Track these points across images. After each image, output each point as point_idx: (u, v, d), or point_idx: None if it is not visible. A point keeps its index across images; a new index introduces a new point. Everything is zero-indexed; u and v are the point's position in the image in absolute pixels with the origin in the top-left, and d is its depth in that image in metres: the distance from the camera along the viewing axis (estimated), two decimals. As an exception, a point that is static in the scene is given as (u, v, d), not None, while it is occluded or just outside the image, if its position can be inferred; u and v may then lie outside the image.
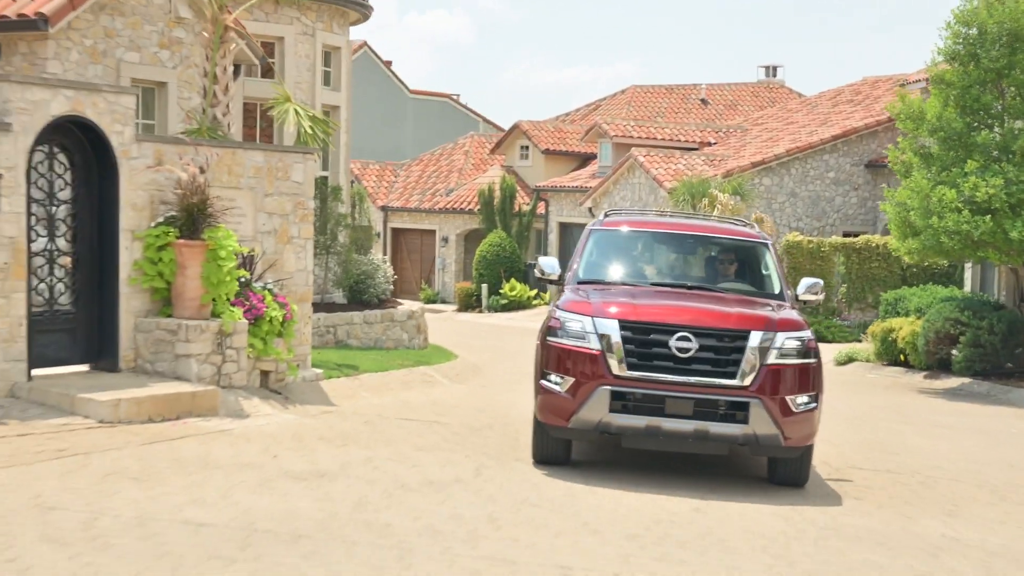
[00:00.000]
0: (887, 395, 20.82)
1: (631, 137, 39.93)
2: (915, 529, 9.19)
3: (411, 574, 6.81)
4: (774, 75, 53.96)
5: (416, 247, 45.57)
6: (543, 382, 10.27)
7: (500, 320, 37.08)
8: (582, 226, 39.27)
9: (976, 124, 20.97)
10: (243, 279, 12.96)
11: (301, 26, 19.52)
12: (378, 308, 20.09)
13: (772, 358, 9.99)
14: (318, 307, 18.43)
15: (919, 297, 25.38)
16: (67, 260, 12.22)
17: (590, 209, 39.12)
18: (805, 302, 11.41)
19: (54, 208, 12.02)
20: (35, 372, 11.67)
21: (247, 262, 13.23)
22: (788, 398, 10.01)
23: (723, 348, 10.00)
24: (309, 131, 15.44)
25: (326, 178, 20.51)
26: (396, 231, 46.00)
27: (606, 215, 12.65)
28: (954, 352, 22.22)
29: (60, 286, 12.19)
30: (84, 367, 12.33)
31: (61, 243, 12.16)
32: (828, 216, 36.12)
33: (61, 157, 11.98)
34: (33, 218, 11.67)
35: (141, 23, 16.22)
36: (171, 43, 16.55)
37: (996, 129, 21.08)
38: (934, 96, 21.46)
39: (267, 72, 19.19)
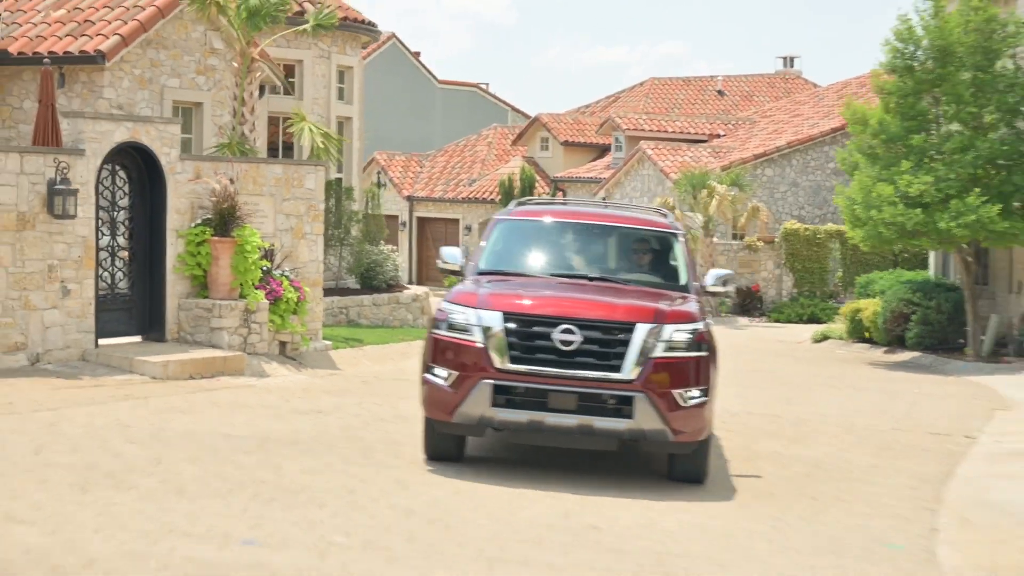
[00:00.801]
0: (842, 367, 24.48)
1: (643, 130, 43.68)
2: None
3: (369, 461, 10.73)
4: (791, 66, 57.40)
5: (441, 235, 49.53)
6: (427, 375, 10.40)
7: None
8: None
9: (913, 128, 24.61)
10: (265, 268, 16.94)
11: (318, 50, 23.52)
12: (386, 292, 24.07)
13: (659, 351, 10.05)
14: (333, 291, 22.40)
15: (885, 280, 29.05)
16: (125, 254, 16.26)
17: (604, 198, 42.91)
18: (714, 294, 11.66)
19: (115, 213, 16.07)
20: (101, 341, 15.69)
21: (268, 254, 17.19)
22: (676, 392, 10.04)
23: (608, 341, 10.08)
24: (321, 146, 19.43)
25: (340, 179, 24.49)
26: (421, 220, 49.95)
27: (516, 204, 12.87)
28: (907, 329, 25.92)
29: (120, 274, 16.23)
30: (138, 338, 16.36)
31: (121, 240, 16.21)
32: (829, 205, 39.72)
33: (121, 174, 16.02)
34: (100, 221, 15.69)
35: (181, 54, 20.23)
36: (206, 70, 20.55)
37: (933, 132, 24.73)
38: (880, 102, 25.19)
39: (289, 90, 23.19)
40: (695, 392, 10.17)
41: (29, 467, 9.48)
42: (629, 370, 10.03)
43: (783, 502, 10.25)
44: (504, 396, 10.06)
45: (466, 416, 10.14)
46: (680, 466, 10.62)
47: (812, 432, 14.37)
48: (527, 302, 10.34)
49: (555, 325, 10.06)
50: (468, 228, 48.54)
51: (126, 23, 19.29)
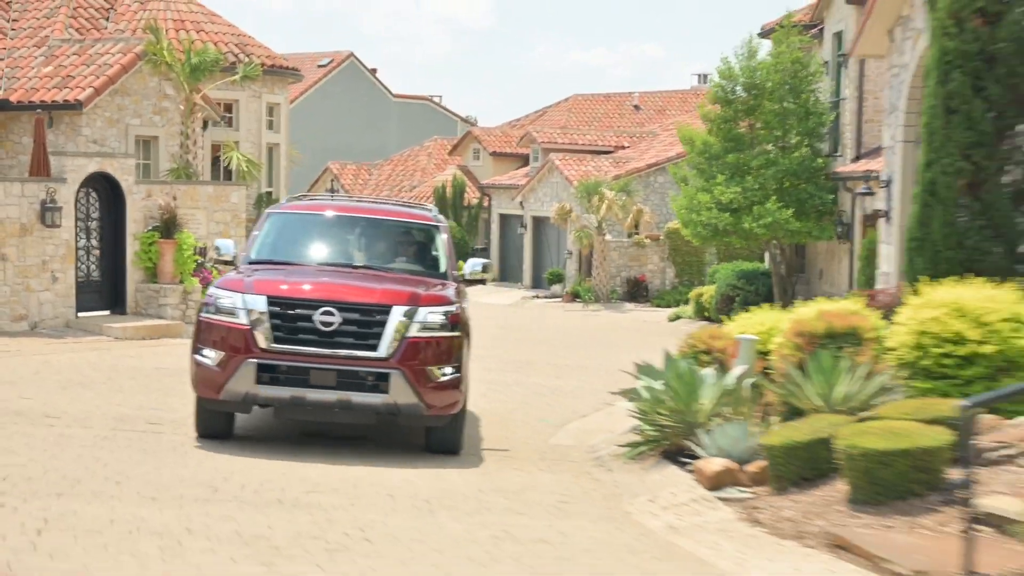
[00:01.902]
0: (665, 337, 30.55)
1: (556, 143, 49.74)
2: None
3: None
4: (705, 82, 63.48)
5: (386, 236, 55.58)
6: (196, 356, 10.98)
7: (447, 295, 46.98)
8: (519, 217, 49.61)
9: (730, 148, 30.75)
10: (199, 261, 22.96)
11: (251, 91, 29.55)
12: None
13: (414, 331, 10.71)
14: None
15: (724, 270, 35.21)
16: (97, 252, 22.31)
17: (520, 203, 49.03)
18: (471, 281, 12.66)
19: (89, 223, 22.12)
20: (80, 314, 21.74)
21: (201, 251, 23.21)
22: (429, 369, 10.69)
23: (366, 322, 10.71)
24: (245, 169, 25.50)
25: (270, 192, 30.52)
26: (369, 222, 55.98)
27: (288, 199, 13.65)
28: (732, 308, 32.12)
29: (93, 266, 22.27)
30: (106, 312, 22.39)
31: (94, 242, 22.25)
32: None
33: (93, 194, 22.08)
34: (78, 229, 21.73)
35: (141, 99, 26.28)
36: (160, 111, 26.60)
37: (746, 152, 30.90)
38: (704, 127, 31.39)
39: (228, 123, 29.26)
40: (448, 369, 10.82)
41: (30, 380, 15.54)
42: (385, 349, 10.63)
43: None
44: (268, 374, 10.65)
45: (233, 393, 10.70)
46: (436, 438, 11.28)
47: (570, 368, 20.59)
48: (290, 287, 11.02)
49: (316, 307, 10.68)
50: (409, 229, 54.57)
51: (98, 77, 25.31)
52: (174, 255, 22.48)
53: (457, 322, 11.08)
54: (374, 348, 10.67)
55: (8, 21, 28.49)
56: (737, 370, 11.31)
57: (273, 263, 11.94)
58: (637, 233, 44.08)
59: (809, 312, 11.19)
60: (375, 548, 7.63)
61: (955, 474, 8.22)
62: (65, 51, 26.57)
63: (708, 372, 11.29)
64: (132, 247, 22.50)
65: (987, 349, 9.97)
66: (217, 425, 11.32)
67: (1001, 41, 11.73)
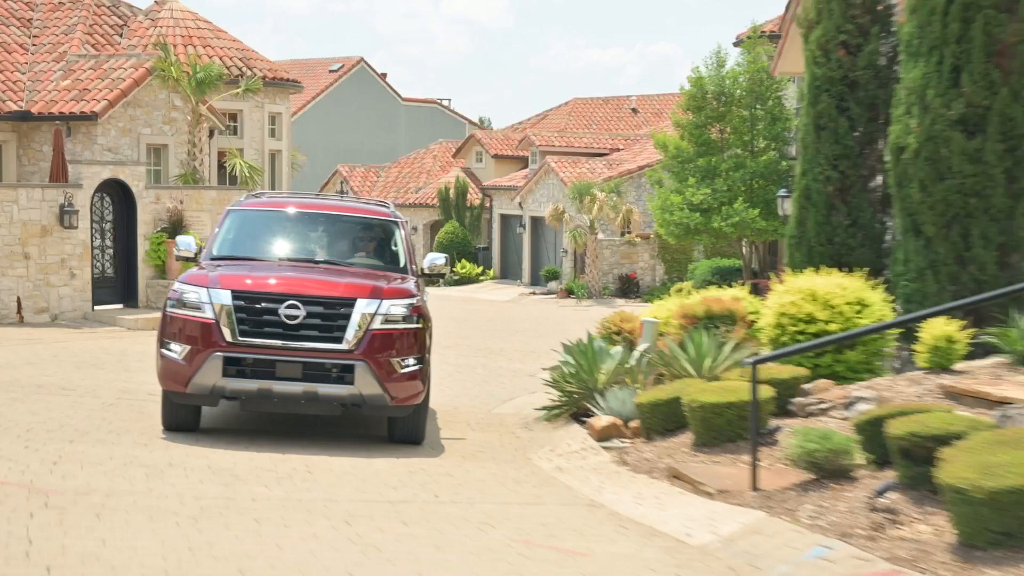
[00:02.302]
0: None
1: (553, 146, 51.98)
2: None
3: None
4: (701, 84, 65.55)
5: (392, 235, 57.87)
6: (163, 350, 11.12)
7: (451, 292, 49.06)
8: (518, 217, 51.82)
9: (702, 152, 32.94)
10: (203, 259, 25.27)
11: (255, 102, 31.87)
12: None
13: (377, 324, 10.94)
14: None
15: (702, 267, 37.36)
16: (111, 251, 24.63)
17: (519, 203, 51.27)
18: (430, 275, 12.78)
19: (104, 224, 24.45)
20: (95, 307, 24.07)
21: (206, 250, 25.51)
22: (393, 360, 10.95)
23: (330, 315, 10.94)
24: (247, 174, 27.80)
25: (274, 196, 32.82)
26: (376, 223, 58.31)
27: (247, 196, 13.78)
28: (707, 303, 34.28)
29: (107, 264, 24.60)
30: (120, 305, 24.73)
31: (108, 242, 24.58)
32: (700, 206, 47.73)
33: (107, 198, 24.41)
34: (93, 230, 24.05)
35: (151, 110, 28.61)
36: (170, 121, 28.93)
37: (716, 156, 33.10)
38: (677, 133, 33.60)
39: (232, 132, 31.60)
40: (411, 360, 11.10)
41: (50, 361, 17.84)
42: (349, 341, 10.90)
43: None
44: (235, 367, 10.85)
45: (199, 387, 10.89)
46: (399, 428, 11.60)
47: (536, 354, 22.76)
48: (255, 281, 11.23)
49: (281, 301, 10.90)
50: (414, 228, 56.87)
51: (113, 90, 27.65)
52: (181, 253, 24.77)
53: (419, 314, 11.33)
54: (339, 340, 10.90)
55: (29, 38, 30.85)
56: (641, 347, 13.52)
57: (235, 259, 12.11)
58: (628, 232, 46.24)
59: (696, 298, 13.39)
60: (314, 477, 9.87)
61: (774, 422, 10.43)
62: (82, 66, 28.91)
63: (616, 349, 13.50)
64: (143, 246, 24.82)
65: (833, 327, 12.12)
66: (184, 418, 11.48)
67: (860, 69, 13.90)
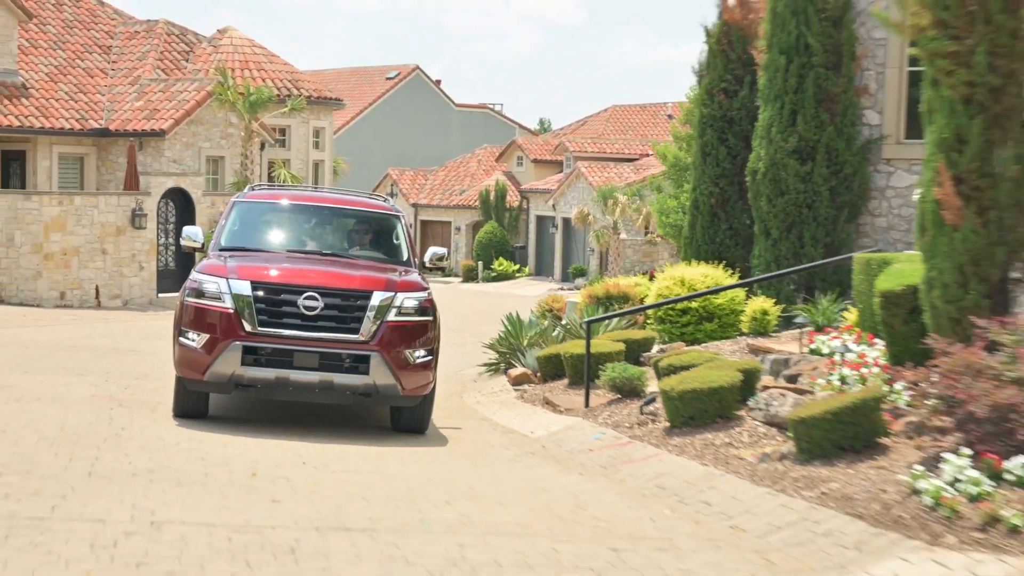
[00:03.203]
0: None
1: (586, 151, 56.50)
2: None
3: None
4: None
5: (439, 234, 62.63)
6: (181, 339, 11.37)
7: (488, 288, 53.75)
8: (552, 218, 56.29)
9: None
10: (252, 255, 30.18)
11: (300, 118, 36.76)
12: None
13: (392, 316, 11.28)
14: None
15: (705, 264, 41.66)
16: (172, 248, 29.63)
17: (553, 205, 55.86)
18: (431, 268, 13.15)
19: (168, 225, 29.44)
20: (159, 295, 29.05)
21: (254, 247, 30.43)
22: (406, 352, 11.31)
23: (347, 307, 11.24)
24: (292, 183, 32.70)
25: (318, 200, 37.73)
26: (423, 222, 63.16)
27: (251, 188, 14.08)
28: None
29: (169, 259, 29.59)
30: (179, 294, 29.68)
31: (170, 240, 29.57)
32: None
33: (171, 204, 29.42)
34: (159, 230, 29.04)
35: (211, 127, 33.59)
36: (226, 136, 33.88)
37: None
38: (675, 143, 38.02)
39: (281, 144, 36.54)
40: (422, 351, 11.47)
41: (122, 335, 22.69)
42: (365, 332, 11.22)
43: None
44: (253, 356, 11.11)
45: (217, 375, 11.17)
46: (404, 418, 12.06)
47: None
48: (274, 273, 11.48)
49: (300, 293, 11.19)
50: (458, 228, 61.65)
51: (178, 111, 32.65)
52: (232, 250, 29.72)
53: (430, 307, 11.71)
54: (355, 331, 11.22)
55: (109, 63, 36.02)
56: (564, 319, 18.08)
57: (243, 250, 12.38)
58: (650, 232, 50.60)
59: (600, 284, 17.94)
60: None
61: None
62: (153, 89, 33.97)
63: (544, 322, 18.07)
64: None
65: (694, 305, 16.59)
66: (194, 405, 11.86)
67: (735, 110, 18.34)
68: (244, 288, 11.20)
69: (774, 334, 15.48)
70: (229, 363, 11.15)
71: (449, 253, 65.39)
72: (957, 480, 7.80)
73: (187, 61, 36.93)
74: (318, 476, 9.54)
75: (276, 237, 12.98)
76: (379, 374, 11.26)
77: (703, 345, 15.66)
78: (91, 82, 34.64)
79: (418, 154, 74.32)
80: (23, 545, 6.60)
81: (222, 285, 11.27)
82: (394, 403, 11.76)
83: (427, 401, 12.00)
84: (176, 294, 28.49)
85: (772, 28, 16.77)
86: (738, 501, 9.13)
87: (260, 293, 11.22)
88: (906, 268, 10.81)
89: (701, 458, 10.38)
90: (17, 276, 27.37)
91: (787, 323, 15.94)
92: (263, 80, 35.69)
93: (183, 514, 7.68)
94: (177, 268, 29.80)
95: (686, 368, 12.17)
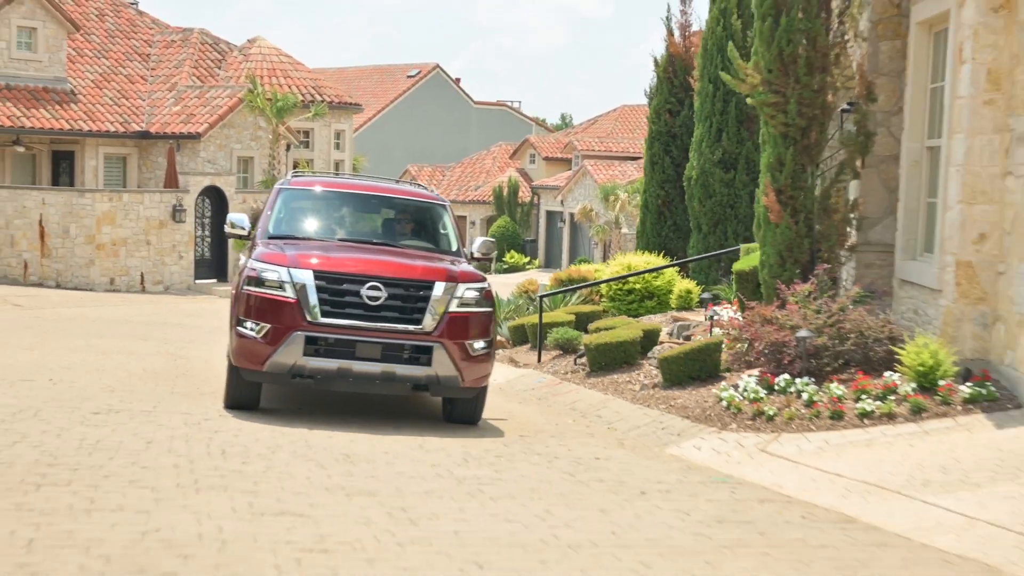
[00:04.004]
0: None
1: (593, 150, 60.84)
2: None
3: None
4: (741, 92, 73.80)
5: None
6: (239, 328, 11.44)
7: (498, 279, 57.83)
8: (560, 213, 60.75)
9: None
10: (278, 246, 34.73)
11: (323, 121, 41.27)
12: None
13: (454, 306, 11.47)
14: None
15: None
16: (208, 240, 34.21)
17: (561, 201, 60.24)
18: (478, 259, 13.08)
19: (204, 219, 34.02)
20: (196, 281, 33.63)
21: (280, 239, 34.98)
22: (467, 343, 11.49)
23: (409, 297, 11.43)
24: (313, 181, 37.26)
25: (337, 196, 42.26)
26: (440, 217, 67.59)
27: (294, 175, 13.97)
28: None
29: (206, 249, 34.18)
30: (214, 280, 34.30)
31: (206, 233, 34.15)
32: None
33: (207, 200, 34.01)
34: (196, 223, 33.61)
35: (242, 130, 38.14)
36: (255, 138, 38.44)
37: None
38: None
39: (305, 145, 41.07)
40: (482, 343, 11.57)
41: (166, 314, 27.19)
42: (428, 323, 11.30)
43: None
44: (314, 346, 11.16)
45: (278, 365, 11.21)
46: (459, 409, 12.11)
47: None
48: (336, 262, 11.51)
49: (363, 283, 11.24)
50: (472, 222, 66.11)
51: (212, 115, 37.20)
52: (260, 241, 34.30)
53: (489, 298, 11.85)
54: (417, 322, 11.35)
55: (148, 70, 40.63)
56: (533, 298, 22.49)
57: (292, 238, 12.45)
58: (651, 227, 54.87)
59: (565, 270, 22.34)
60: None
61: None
62: (189, 95, 38.55)
63: (521, 300, 22.49)
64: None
65: (637, 286, 20.95)
66: (247, 396, 11.87)
67: (678, 127, 22.73)
68: (306, 277, 11.25)
69: (696, 308, 19.83)
70: (291, 353, 11.20)
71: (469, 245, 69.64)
72: (745, 391, 12.20)
73: (219, 68, 41.47)
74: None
75: (324, 225, 12.99)
76: (441, 365, 11.38)
77: (643, 317, 20.03)
78: (132, 88, 39.24)
79: (437, 151, 78.65)
80: (144, 422, 11.03)
81: (283, 274, 11.28)
82: (453, 395, 11.92)
83: (484, 392, 12.12)
84: (212, 280, 33.29)
85: (703, 61, 21.10)
86: (618, 414, 13.53)
87: (322, 283, 11.28)
88: (755, 254, 15.19)
89: (605, 391, 14.77)
90: (72, 264, 31.96)
91: (713, 299, 20.29)
92: (289, 87, 40.20)
93: (240, 418, 12.10)
94: (212, 257, 34.37)
95: (608, 329, 16.55)
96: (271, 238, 12.52)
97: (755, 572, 7.24)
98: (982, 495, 9.09)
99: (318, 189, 13.55)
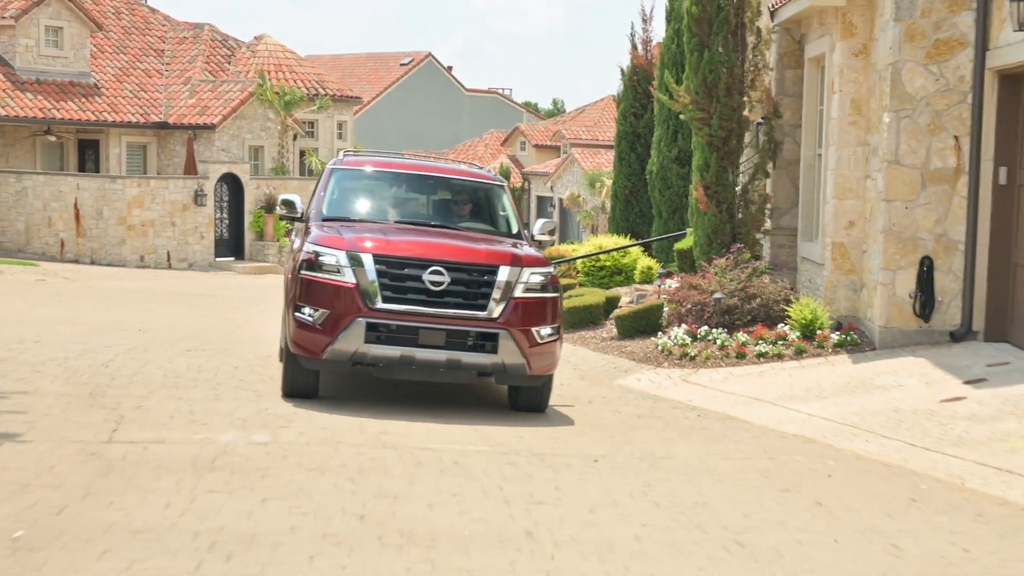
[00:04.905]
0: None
1: (580, 139, 65.08)
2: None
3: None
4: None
5: (447, 212, 71.23)
6: (297, 315, 11.21)
7: (490, 260, 62.56)
8: (550, 198, 64.99)
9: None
10: (289, 228, 38.89)
11: (326, 114, 45.47)
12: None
13: (519, 292, 11.24)
14: (332, 242, 44.42)
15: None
16: (227, 221, 38.49)
17: (551, 187, 64.52)
18: (540, 242, 12.92)
19: (222, 203, 38.30)
20: (216, 259, 37.90)
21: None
22: (533, 330, 11.29)
23: (474, 282, 11.16)
24: (320, 168, 41.47)
25: (340, 182, 46.50)
26: (433, 201, 71.87)
27: (345, 154, 13.85)
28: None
29: (224, 230, 38.46)
30: (232, 258, 38.57)
31: (225, 215, 38.43)
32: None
33: (224, 186, 38.29)
34: (216, 207, 37.87)
35: (252, 121, 42.37)
36: (265, 129, 42.66)
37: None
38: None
39: (311, 135, 45.35)
40: (549, 329, 11.48)
41: (195, 286, 31.39)
42: (493, 309, 11.15)
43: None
44: (376, 333, 11.02)
45: (339, 352, 11.08)
46: (525, 397, 12.00)
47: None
48: (396, 246, 11.38)
49: (425, 267, 11.09)
50: (464, 207, 70.29)
51: (226, 107, 41.40)
52: (273, 224, 38.52)
53: (555, 283, 11.68)
54: (482, 308, 11.14)
55: (163, 65, 44.80)
56: (521, 276, 26.84)
57: (347, 220, 12.29)
58: (634, 212, 59.17)
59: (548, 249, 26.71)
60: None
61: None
62: (203, 88, 42.74)
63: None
64: (247, 219, 38.58)
65: (608, 263, 25.23)
66: (306, 384, 11.67)
67: (641, 127, 27.02)
68: (366, 261, 11.12)
69: (655, 282, 24.14)
70: (352, 340, 11.05)
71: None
72: (676, 339, 16.52)
73: (229, 64, 45.65)
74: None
75: (380, 207, 12.94)
76: (508, 353, 11.21)
77: (612, 289, 24.33)
78: (149, 82, 43.42)
79: (430, 137, 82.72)
80: (227, 356, 15.28)
81: (341, 258, 11.14)
82: (519, 383, 11.76)
83: (551, 380, 11.99)
84: (230, 258, 37.59)
85: (660, 72, 25.35)
86: (583, 359, 17.82)
87: (383, 267, 11.13)
88: (692, 237, 19.51)
89: (574, 343, 19.04)
90: (105, 243, 36.22)
91: (668, 274, 24.60)
92: (294, 81, 44.41)
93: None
94: (230, 238, 38.62)
95: (578, 296, 20.84)
96: (325, 220, 12.35)
97: (654, 437, 11.55)
98: (826, 403, 13.42)
99: (372, 169, 13.40)
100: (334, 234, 11.56)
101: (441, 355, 11.16)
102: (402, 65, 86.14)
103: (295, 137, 43.57)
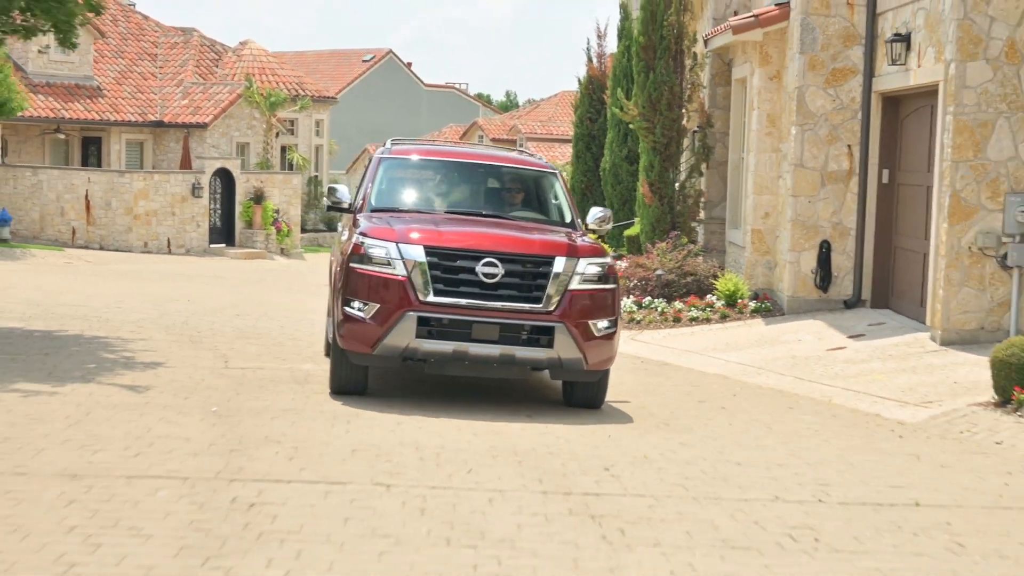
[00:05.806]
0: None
1: (536, 133, 68.75)
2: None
3: (299, 285, 36.33)
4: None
5: (410, 203, 74.67)
6: (347, 309, 10.82)
7: (451, 248, 66.19)
8: (508, 190, 68.60)
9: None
10: (275, 217, 42.39)
11: (306, 113, 48.90)
12: (341, 232, 49.64)
13: (575, 284, 10.79)
14: (310, 230, 47.83)
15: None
16: (219, 212, 41.92)
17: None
18: (595, 231, 12.47)
19: (216, 195, 41.72)
20: (211, 246, 41.33)
21: (277, 212, 42.60)
22: (590, 323, 10.85)
23: (528, 274, 10.73)
24: (300, 163, 44.98)
25: (317, 175, 49.90)
26: (397, 192, 75.28)
27: (392, 142, 13.33)
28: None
29: (217, 220, 41.89)
30: (224, 245, 42.00)
31: (217, 206, 41.86)
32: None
33: (217, 180, 41.71)
34: (210, 198, 41.29)
35: (240, 120, 45.77)
36: (251, 127, 46.07)
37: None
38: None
39: (292, 132, 48.81)
40: (606, 322, 11.01)
41: (196, 268, 34.74)
42: (548, 301, 10.69)
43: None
44: (427, 327, 10.60)
45: (390, 348, 10.66)
46: (581, 392, 11.50)
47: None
48: (447, 237, 10.95)
49: (478, 259, 10.64)
50: (427, 198, 73.83)
51: (216, 108, 44.76)
52: (261, 214, 42.01)
53: (613, 274, 11.26)
54: (537, 301, 10.74)
55: (157, 68, 48.08)
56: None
57: (397, 211, 11.97)
58: (585, 203, 62.90)
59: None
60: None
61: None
62: (195, 90, 46.09)
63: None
64: (238, 209, 42.04)
65: (566, 248, 28.96)
66: (354, 380, 11.32)
67: (596, 130, 30.74)
68: (417, 253, 10.74)
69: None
70: (403, 335, 10.67)
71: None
72: (625, 307, 20.27)
73: (217, 67, 48.96)
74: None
75: (430, 196, 12.63)
76: (564, 347, 10.82)
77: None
78: (145, 84, 46.70)
79: (391, 131, 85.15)
80: (271, 318, 18.84)
81: (391, 250, 10.79)
82: (576, 378, 11.32)
83: (607, 374, 11.55)
84: (223, 245, 41.07)
85: (612, 82, 29.06)
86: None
87: (434, 259, 10.73)
88: (638, 225, 23.27)
89: (541, 313, 22.72)
90: (113, 231, 39.57)
91: (618, 257, 28.34)
92: (276, 83, 47.79)
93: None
94: (222, 226, 42.01)
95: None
96: (374, 211, 11.99)
97: (610, 378, 15.28)
98: (741, 353, 17.19)
99: (421, 158, 13.09)
100: (384, 225, 11.28)
101: (495, 350, 10.76)
102: (364, 62, 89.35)
103: (277, 134, 46.99)
